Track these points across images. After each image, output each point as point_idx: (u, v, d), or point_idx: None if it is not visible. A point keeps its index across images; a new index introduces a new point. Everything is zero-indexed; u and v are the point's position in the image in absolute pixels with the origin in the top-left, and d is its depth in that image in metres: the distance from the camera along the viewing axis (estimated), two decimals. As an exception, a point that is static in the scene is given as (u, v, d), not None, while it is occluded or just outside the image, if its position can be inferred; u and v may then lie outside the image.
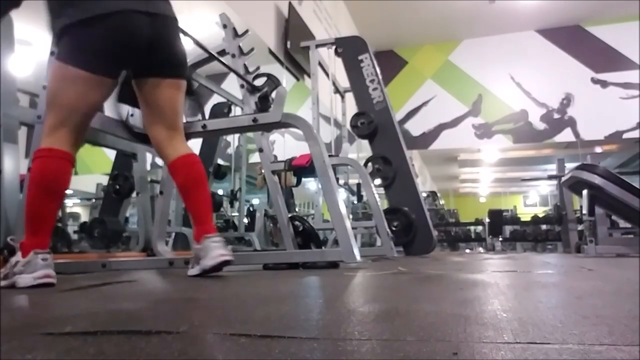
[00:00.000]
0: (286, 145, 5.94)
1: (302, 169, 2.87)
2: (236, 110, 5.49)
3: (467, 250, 9.75)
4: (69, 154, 1.46)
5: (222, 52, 2.97)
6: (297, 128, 2.15)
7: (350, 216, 6.27)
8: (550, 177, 7.25)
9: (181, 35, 1.71)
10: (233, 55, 2.98)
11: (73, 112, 1.46)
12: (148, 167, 3.58)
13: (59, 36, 1.47)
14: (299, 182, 3.16)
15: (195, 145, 2.37)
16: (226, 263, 1.56)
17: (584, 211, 4.45)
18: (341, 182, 4.89)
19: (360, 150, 6.11)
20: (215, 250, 1.53)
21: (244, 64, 3.02)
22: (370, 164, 4.52)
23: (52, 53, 2.02)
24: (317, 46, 4.83)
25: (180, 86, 1.68)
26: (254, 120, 2.15)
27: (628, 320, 0.71)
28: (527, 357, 0.50)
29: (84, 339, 0.61)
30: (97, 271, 2.00)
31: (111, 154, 4.64)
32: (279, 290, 1.26)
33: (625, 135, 7.45)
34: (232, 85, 5.37)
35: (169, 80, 1.64)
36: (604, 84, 7.62)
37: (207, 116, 5.46)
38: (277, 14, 5.11)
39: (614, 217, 5.34)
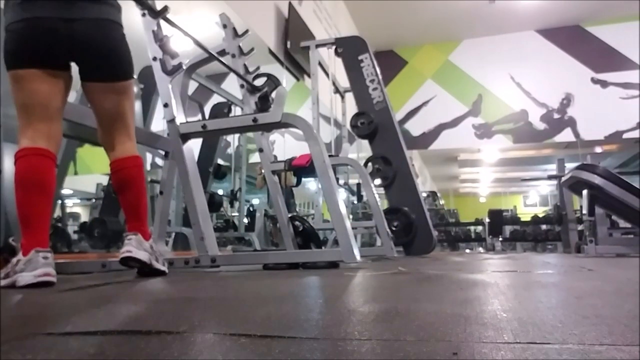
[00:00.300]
0: (286, 145, 5.94)
1: (302, 169, 2.87)
2: (236, 110, 5.50)
3: (467, 250, 9.75)
4: (45, 149, 1.51)
5: (222, 52, 2.97)
6: (297, 128, 2.15)
7: (350, 216, 6.28)
8: (550, 177, 7.25)
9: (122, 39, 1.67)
10: (233, 55, 2.98)
11: (30, 109, 1.54)
12: (148, 167, 3.59)
13: None
14: (299, 182, 3.16)
15: (195, 145, 2.38)
16: (127, 259, 1.60)
17: (584, 211, 4.45)
18: (341, 182, 4.89)
19: (360, 150, 6.12)
20: (124, 247, 1.62)
21: (244, 64, 3.01)
22: (370, 164, 4.52)
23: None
24: (317, 46, 4.83)
25: (115, 89, 1.66)
26: (254, 120, 2.15)
27: (628, 320, 0.71)
28: (527, 357, 0.50)
29: (84, 339, 0.61)
30: (97, 271, 2.00)
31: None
32: (279, 290, 1.26)
33: (625, 135, 7.46)
34: (232, 85, 5.40)
35: (102, 84, 1.65)
36: (604, 84, 7.62)
37: (207, 116, 5.47)
38: (277, 14, 5.11)
39: (614, 217, 5.34)
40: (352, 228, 2.29)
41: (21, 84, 1.53)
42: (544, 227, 8.21)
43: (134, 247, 1.60)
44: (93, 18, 1.57)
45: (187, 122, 2.23)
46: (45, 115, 1.54)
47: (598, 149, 9.54)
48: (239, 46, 3.02)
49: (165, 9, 1.97)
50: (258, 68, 3.14)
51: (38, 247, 1.38)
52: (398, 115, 7.39)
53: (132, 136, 1.75)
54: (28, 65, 1.52)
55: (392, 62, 8.45)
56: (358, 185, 4.94)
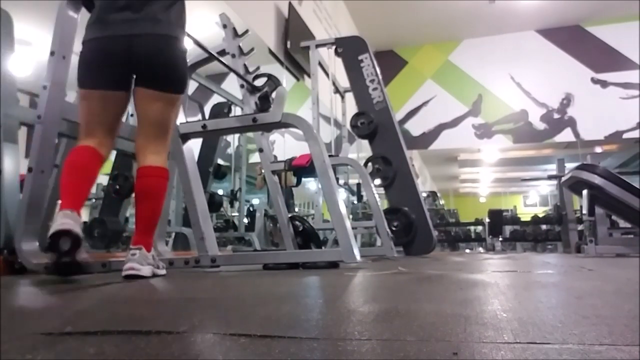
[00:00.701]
0: (286, 145, 5.94)
1: (302, 169, 2.87)
2: (236, 110, 5.50)
3: (467, 250, 9.75)
4: (92, 147, 1.72)
5: (222, 52, 2.97)
6: (297, 128, 2.15)
7: (350, 216, 6.28)
8: (550, 177, 7.25)
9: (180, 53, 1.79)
10: (233, 55, 2.98)
11: (89, 124, 1.75)
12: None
13: None
14: (299, 182, 3.16)
15: (195, 145, 2.38)
16: (130, 276, 1.62)
17: (584, 211, 4.45)
18: (341, 182, 4.89)
19: (360, 150, 6.11)
20: (128, 262, 1.64)
21: (244, 64, 3.01)
22: (370, 164, 4.52)
23: (52, 53, 2.02)
24: (317, 46, 4.83)
25: (164, 99, 1.76)
26: (254, 120, 2.15)
27: (628, 320, 0.71)
28: (527, 357, 0.50)
29: (84, 339, 0.61)
30: (97, 271, 2.00)
31: (111, 154, 4.63)
32: (279, 290, 1.26)
33: (625, 135, 7.45)
34: (232, 85, 5.39)
35: (153, 91, 1.75)
36: (604, 84, 7.62)
37: (207, 116, 5.47)
38: (277, 14, 5.11)
39: (614, 217, 5.34)
40: (352, 228, 2.29)
41: (83, 101, 1.76)
42: (544, 227, 8.20)
43: (137, 262, 1.64)
44: (154, 34, 1.73)
45: (187, 122, 2.23)
46: (101, 129, 1.75)
47: (598, 149, 9.54)
48: (239, 46, 3.02)
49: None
50: (258, 68, 3.14)
51: (66, 209, 1.54)
52: (398, 115, 7.39)
53: (167, 148, 1.86)
54: (90, 87, 1.73)
55: (392, 62, 8.44)
56: (358, 185, 4.94)
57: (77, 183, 1.68)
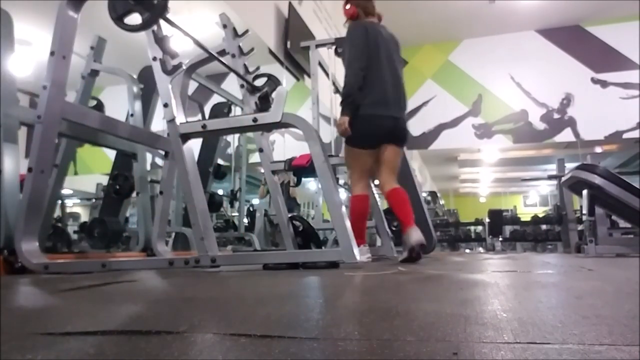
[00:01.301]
0: (286, 145, 5.94)
1: (302, 169, 2.87)
2: (236, 110, 5.50)
3: (467, 251, 9.75)
4: (367, 195, 2.94)
5: (222, 52, 2.97)
6: (297, 128, 2.15)
7: (350, 216, 6.25)
8: (550, 177, 7.25)
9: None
10: (233, 55, 2.98)
11: (359, 171, 2.91)
12: (148, 167, 3.58)
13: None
14: (298, 182, 3.16)
15: (195, 145, 2.37)
16: (421, 246, 2.61)
17: (584, 211, 4.45)
18: (341, 182, 4.88)
19: (360, 150, 6.09)
20: (413, 236, 2.62)
21: (244, 64, 3.01)
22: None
23: (52, 53, 2.02)
24: (317, 46, 4.82)
25: (399, 151, 2.97)
26: (254, 120, 2.14)
27: (628, 320, 0.71)
28: (527, 357, 0.50)
29: (84, 339, 0.61)
30: (97, 271, 2.00)
31: (111, 154, 4.63)
32: (279, 290, 1.26)
33: (625, 135, 7.45)
34: (232, 85, 5.39)
35: (394, 147, 2.90)
36: (604, 84, 7.62)
37: (207, 116, 5.47)
38: (277, 14, 5.11)
39: (614, 217, 5.34)
40: (352, 228, 2.29)
41: (353, 155, 2.89)
42: (544, 227, 8.20)
43: (419, 235, 2.65)
44: (402, 118, 2.95)
45: (187, 122, 2.23)
46: (367, 175, 2.96)
47: (598, 149, 9.54)
48: (239, 46, 3.02)
49: (165, 8, 1.97)
50: (258, 68, 3.14)
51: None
52: (398, 115, 7.37)
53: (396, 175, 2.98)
54: (360, 147, 2.84)
55: (392, 62, 8.44)
56: (358, 185, 4.92)
57: (363, 226, 3.00)
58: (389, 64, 2.89)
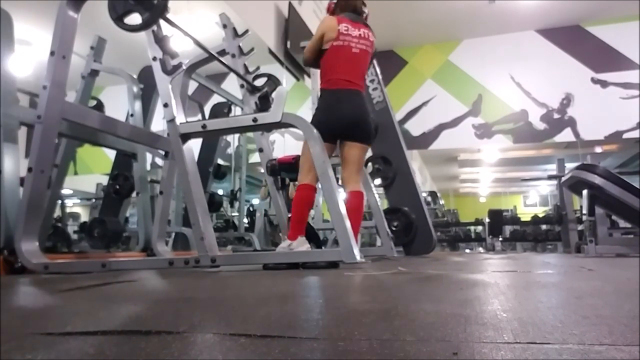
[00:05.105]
0: (286, 145, 5.94)
1: (288, 165, 2.83)
2: (236, 110, 5.50)
3: (467, 250, 9.75)
4: (313, 185, 2.53)
5: (222, 52, 2.97)
6: (297, 128, 2.15)
7: (350, 216, 6.24)
8: (550, 177, 7.25)
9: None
10: (233, 55, 2.98)
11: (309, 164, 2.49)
12: (148, 167, 3.58)
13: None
14: (283, 182, 3.10)
15: (195, 145, 2.37)
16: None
17: (584, 211, 4.45)
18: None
19: (360, 150, 6.09)
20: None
21: (244, 64, 3.02)
22: (370, 164, 4.52)
23: (52, 53, 2.02)
24: (317, 46, 4.81)
25: (363, 148, 2.77)
26: (254, 120, 2.14)
27: (628, 320, 0.71)
28: (527, 357, 0.50)
29: (84, 339, 0.61)
30: (97, 271, 2.00)
31: (111, 154, 4.63)
32: (279, 290, 1.26)
33: (625, 135, 7.45)
34: (232, 85, 5.39)
35: (356, 143, 2.71)
36: (604, 84, 7.61)
37: (207, 116, 5.47)
38: (277, 14, 5.11)
39: (614, 217, 5.34)
40: (352, 228, 2.28)
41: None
42: (544, 227, 8.20)
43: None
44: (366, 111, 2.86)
45: (187, 122, 2.23)
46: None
47: (598, 149, 9.53)
48: (239, 46, 3.02)
49: (165, 8, 1.97)
50: (258, 68, 3.14)
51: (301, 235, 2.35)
52: (398, 115, 7.38)
53: (362, 176, 2.88)
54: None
55: (392, 62, 8.44)
56: (358, 185, 4.91)
57: (305, 215, 2.58)
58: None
